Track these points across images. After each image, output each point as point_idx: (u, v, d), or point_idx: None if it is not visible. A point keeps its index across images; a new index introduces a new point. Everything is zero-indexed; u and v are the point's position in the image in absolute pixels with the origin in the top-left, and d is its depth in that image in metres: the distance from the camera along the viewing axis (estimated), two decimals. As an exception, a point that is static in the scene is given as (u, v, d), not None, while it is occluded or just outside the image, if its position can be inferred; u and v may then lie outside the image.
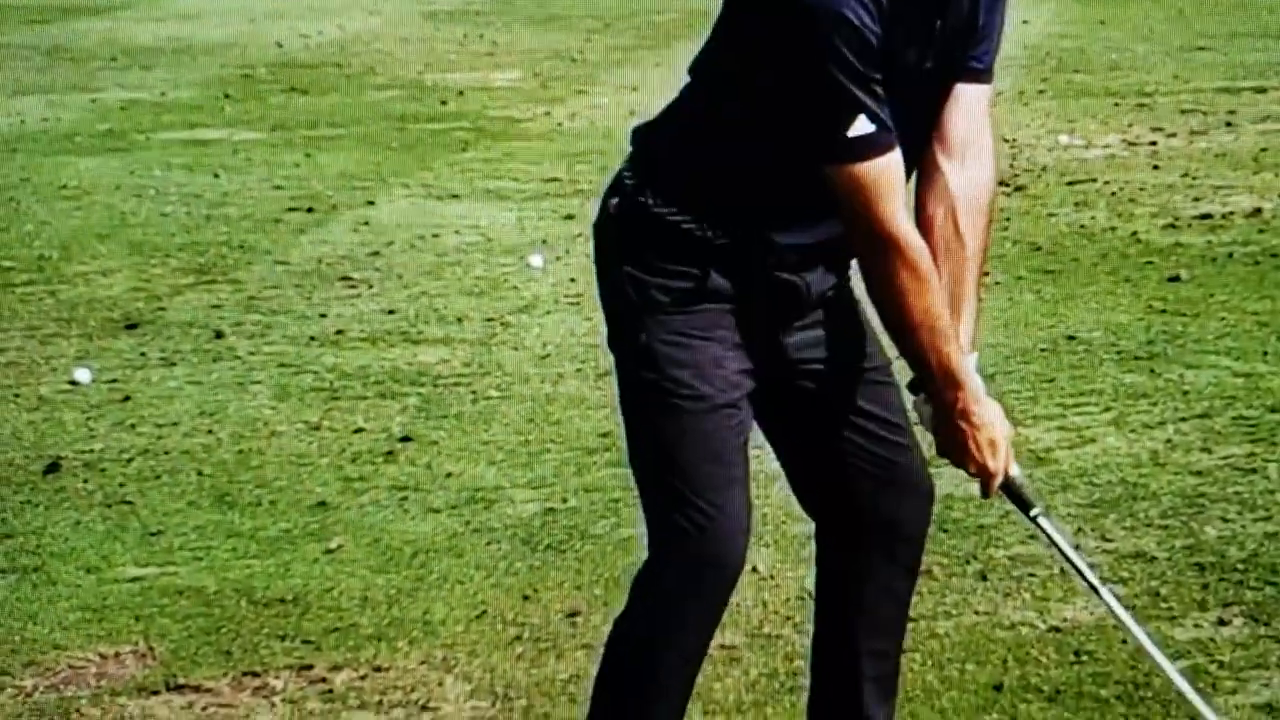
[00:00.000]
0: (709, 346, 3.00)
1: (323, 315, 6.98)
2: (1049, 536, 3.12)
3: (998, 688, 3.89)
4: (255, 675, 4.05)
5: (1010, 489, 3.07)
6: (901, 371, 3.11)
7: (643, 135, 3.12)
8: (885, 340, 3.11)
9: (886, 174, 2.86)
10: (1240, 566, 4.48)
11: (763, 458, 3.22)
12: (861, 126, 2.83)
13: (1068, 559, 3.14)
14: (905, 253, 2.89)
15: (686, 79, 3.07)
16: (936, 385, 2.98)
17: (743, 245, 2.99)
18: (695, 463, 3.00)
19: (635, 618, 3.10)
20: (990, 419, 2.99)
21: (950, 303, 2.97)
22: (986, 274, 7.23)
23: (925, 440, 3.13)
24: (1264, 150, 9.86)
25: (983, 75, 3.05)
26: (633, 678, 3.11)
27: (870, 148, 2.84)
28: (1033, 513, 3.10)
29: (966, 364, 2.99)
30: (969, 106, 3.03)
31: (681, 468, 3.00)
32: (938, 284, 2.93)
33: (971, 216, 3.03)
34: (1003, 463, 3.02)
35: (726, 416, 3.02)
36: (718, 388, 3.00)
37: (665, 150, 3.06)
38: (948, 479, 5.01)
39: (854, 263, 3.06)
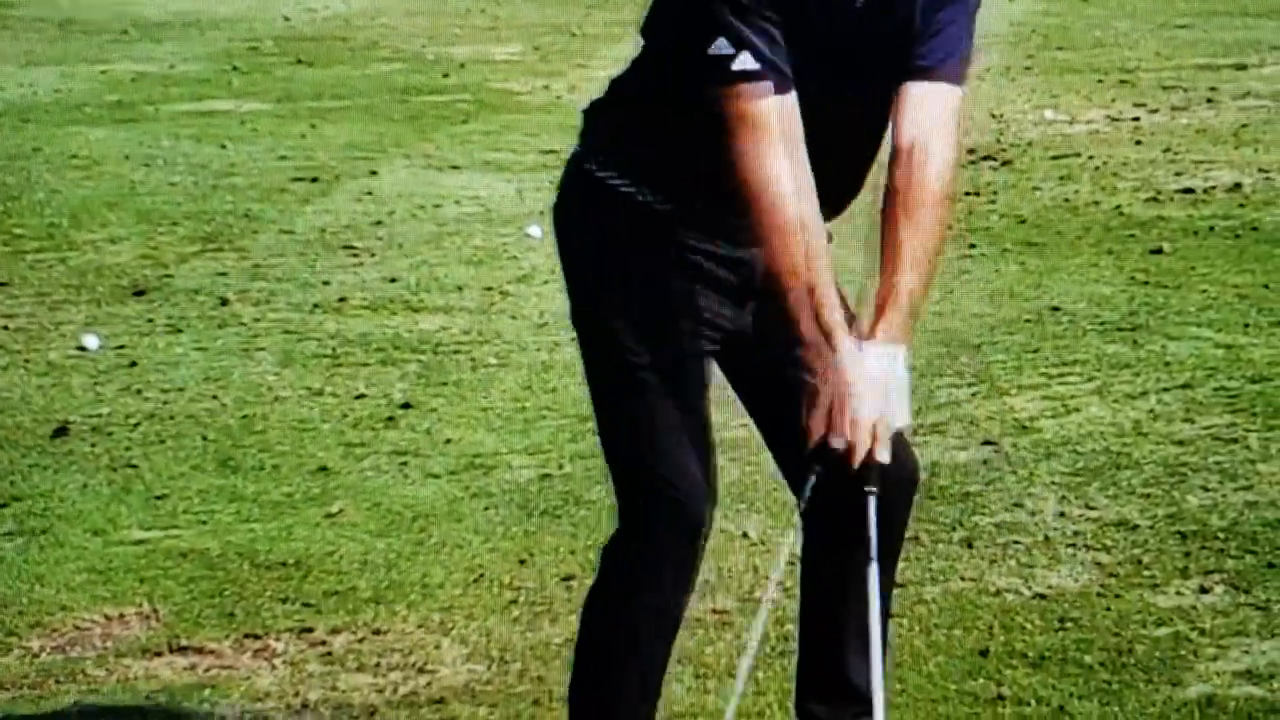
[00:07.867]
0: (649, 312, 2.98)
1: (326, 283, 7.01)
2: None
3: (984, 653, 3.91)
4: (256, 638, 4.06)
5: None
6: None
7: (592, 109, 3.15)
8: None
9: (760, 112, 2.81)
10: (1221, 535, 4.50)
11: (751, 426, 3.22)
12: (722, 47, 2.80)
13: None
14: (760, 198, 2.82)
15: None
16: (804, 341, 2.86)
17: (673, 206, 2.97)
18: (650, 433, 2.99)
19: (603, 585, 3.11)
20: (861, 388, 2.82)
21: (882, 286, 2.88)
22: (971, 254, 7.23)
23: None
24: (1244, 126, 9.89)
25: (930, 74, 2.92)
26: (607, 645, 3.11)
27: (739, 78, 2.80)
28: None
29: (845, 338, 2.83)
30: (915, 106, 2.92)
31: (637, 438, 3.01)
32: (800, 234, 2.83)
33: (910, 211, 2.90)
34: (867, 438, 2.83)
35: (670, 381, 2.98)
36: (656, 352, 2.97)
37: (600, 117, 3.10)
38: (935, 447, 5.10)
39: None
